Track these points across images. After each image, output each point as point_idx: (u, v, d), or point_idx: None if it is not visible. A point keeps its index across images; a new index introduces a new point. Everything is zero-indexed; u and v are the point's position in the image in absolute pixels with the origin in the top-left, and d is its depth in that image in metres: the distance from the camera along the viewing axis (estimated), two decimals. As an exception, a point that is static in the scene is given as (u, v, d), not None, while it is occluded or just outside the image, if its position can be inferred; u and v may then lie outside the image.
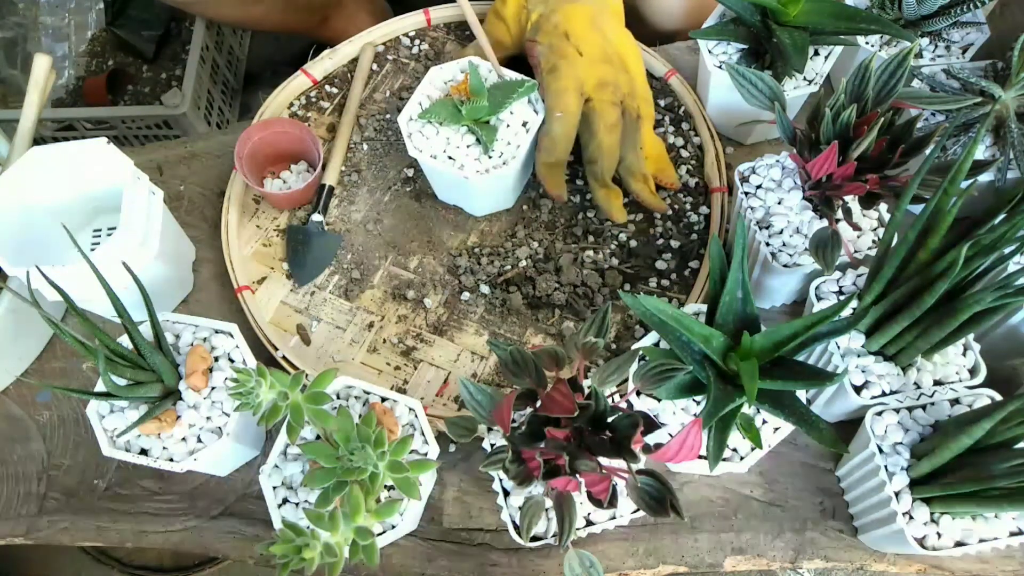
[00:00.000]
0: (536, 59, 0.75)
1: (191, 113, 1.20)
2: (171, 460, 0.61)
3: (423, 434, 0.61)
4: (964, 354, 0.62)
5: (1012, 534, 0.55)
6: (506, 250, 0.79)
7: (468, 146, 0.73)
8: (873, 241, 0.67)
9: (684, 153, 0.83)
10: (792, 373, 0.51)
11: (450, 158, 0.73)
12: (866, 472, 0.61)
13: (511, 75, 0.75)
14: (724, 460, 0.58)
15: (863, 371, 0.61)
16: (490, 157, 0.73)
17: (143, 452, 0.62)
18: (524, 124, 0.74)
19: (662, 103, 0.86)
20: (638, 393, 0.58)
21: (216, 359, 0.64)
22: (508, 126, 0.74)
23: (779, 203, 0.69)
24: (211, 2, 1.09)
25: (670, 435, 0.58)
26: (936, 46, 0.77)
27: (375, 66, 0.91)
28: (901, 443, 0.58)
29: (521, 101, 0.74)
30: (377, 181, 0.84)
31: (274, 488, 0.60)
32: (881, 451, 0.58)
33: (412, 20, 0.92)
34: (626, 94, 0.75)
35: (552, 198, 0.77)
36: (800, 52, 0.69)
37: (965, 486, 0.52)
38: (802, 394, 0.56)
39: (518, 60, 0.82)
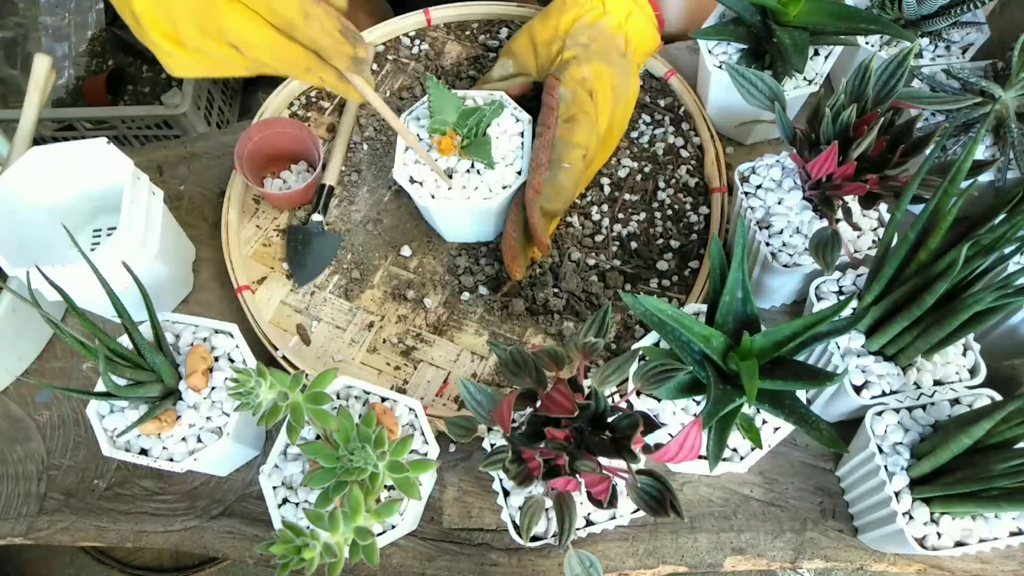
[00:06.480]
0: (555, 100, 0.72)
1: (191, 113, 1.21)
2: (171, 460, 0.61)
3: (423, 434, 0.61)
4: (964, 354, 0.62)
5: (1012, 534, 0.55)
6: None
7: (466, 171, 0.73)
8: (873, 241, 0.67)
9: (684, 153, 0.83)
10: (792, 373, 0.51)
11: (419, 183, 0.72)
12: (866, 472, 0.61)
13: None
14: (724, 460, 0.58)
15: (863, 371, 0.61)
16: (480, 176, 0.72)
17: (143, 452, 0.62)
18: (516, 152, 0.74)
19: (662, 103, 0.86)
20: (638, 393, 0.58)
21: (216, 359, 0.64)
22: (498, 137, 0.74)
23: (779, 203, 0.69)
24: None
25: (670, 435, 0.58)
26: (936, 46, 0.77)
27: (375, 66, 0.90)
28: (901, 443, 0.58)
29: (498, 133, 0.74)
30: (377, 181, 0.84)
31: (274, 488, 0.60)
32: (881, 451, 0.58)
33: (412, 20, 0.92)
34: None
35: (538, 249, 0.73)
36: (800, 52, 0.69)
37: (965, 486, 0.52)
38: (802, 394, 0.56)
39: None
